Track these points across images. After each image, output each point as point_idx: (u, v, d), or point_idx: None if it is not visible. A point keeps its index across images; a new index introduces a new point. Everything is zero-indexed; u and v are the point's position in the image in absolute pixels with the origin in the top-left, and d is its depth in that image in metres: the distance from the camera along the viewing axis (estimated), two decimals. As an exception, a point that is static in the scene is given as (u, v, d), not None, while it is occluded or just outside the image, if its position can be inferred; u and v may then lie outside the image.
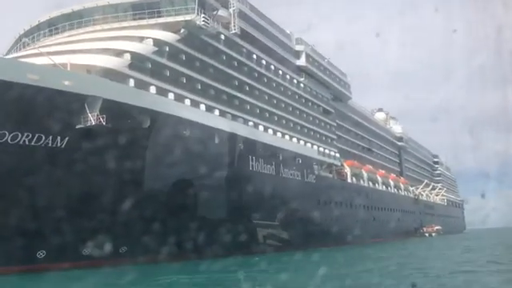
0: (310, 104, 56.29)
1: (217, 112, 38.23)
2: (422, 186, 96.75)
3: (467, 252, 34.71)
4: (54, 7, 38.47)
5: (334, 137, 61.53)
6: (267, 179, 42.06)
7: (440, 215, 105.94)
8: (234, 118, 40.93)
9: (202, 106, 36.64)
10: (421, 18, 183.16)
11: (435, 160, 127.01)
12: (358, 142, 73.32)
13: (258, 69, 46.24)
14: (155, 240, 26.93)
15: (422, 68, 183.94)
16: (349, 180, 62.50)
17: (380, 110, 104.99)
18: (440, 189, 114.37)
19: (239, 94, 41.85)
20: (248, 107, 43.20)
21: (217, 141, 36.55)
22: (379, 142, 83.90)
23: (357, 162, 68.76)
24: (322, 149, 56.31)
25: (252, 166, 40.76)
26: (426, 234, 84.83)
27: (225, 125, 37.82)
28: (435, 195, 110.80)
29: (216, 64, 39.59)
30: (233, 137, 38.47)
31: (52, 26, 37.13)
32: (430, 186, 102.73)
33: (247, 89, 43.59)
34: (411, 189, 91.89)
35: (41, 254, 25.58)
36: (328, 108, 61.38)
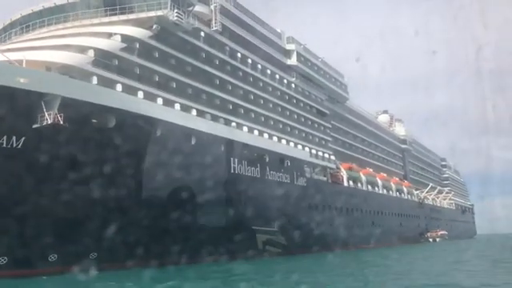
0: (301, 105, 54.41)
1: (194, 112, 36.47)
2: (427, 190, 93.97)
3: (456, 263, 31.94)
4: (28, 5, 37.29)
5: (329, 139, 59.51)
6: (251, 182, 40.27)
7: (447, 220, 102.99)
8: (215, 118, 39.22)
9: (177, 106, 34.92)
10: (401, 41, 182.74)
11: (443, 163, 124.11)
12: (357, 145, 71.17)
13: (243, 67, 44.55)
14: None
15: (404, 90, 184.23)
16: (345, 183, 60.32)
17: (385, 112, 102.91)
18: (447, 193, 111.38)
19: (220, 94, 40.15)
20: (230, 107, 41.45)
21: (193, 142, 34.82)
22: (381, 144, 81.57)
23: (355, 164, 66.61)
24: (314, 151, 54.35)
25: (234, 168, 38.93)
26: (430, 240, 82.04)
27: (203, 125, 36.09)
28: (442, 199, 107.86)
29: (194, 62, 37.97)
30: (212, 138, 36.74)
31: (23, 24, 35.86)
32: (436, 190, 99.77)
33: (230, 88, 41.87)
34: (415, 192, 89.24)
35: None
36: (322, 109, 59.41)
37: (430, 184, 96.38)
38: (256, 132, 44.24)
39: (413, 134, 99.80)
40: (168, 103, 34.39)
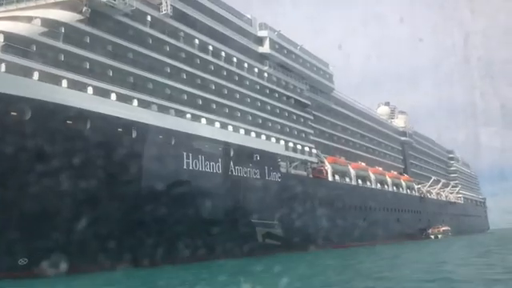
0: (276, 95, 50.80)
1: (135, 102, 33.20)
2: (429, 184, 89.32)
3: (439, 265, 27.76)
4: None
5: (311, 131, 55.77)
6: (210, 178, 36.83)
7: (455, 215, 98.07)
8: (165, 109, 35.89)
9: (113, 96, 31.66)
10: (386, 28, 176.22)
11: (450, 156, 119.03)
12: (347, 138, 67.22)
13: (202, 55, 41.19)
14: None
15: (388, 79, 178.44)
16: (329, 178, 56.50)
17: (387, 103, 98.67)
18: (454, 186, 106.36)
19: (171, 83, 36.82)
20: (185, 97, 38.10)
21: (134, 135, 31.57)
22: (376, 136, 77.45)
23: (344, 158, 62.78)
24: (291, 144, 50.67)
25: (188, 163, 35.51)
26: (432, 236, 77.51)
27: (147, 117, 32.77)
28: (449, 193, 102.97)
29: (138, 48, 34.69)
30: (159, 130, 33.47)
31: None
32: (440, 184, 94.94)
33: (184, 77, 38.53)
34: (416, 187, 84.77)
35: None
36: (302, 100, 55.71)
37: (433, 177, 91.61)
38: (217, 124, 40.75)
39: (413, 125, 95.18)
40: (104, 93, 31.19)
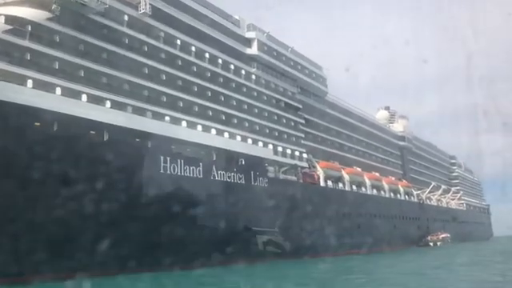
0: (264, 98, 49.41)
1: (108, 104, 31.97)
2: (429, 190, 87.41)
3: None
4: None
5: (301, 135, 54.27)
6: (190, 183, 35.45)
7: (456, 221, 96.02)
8: (142, 111, 34.64)
9: (84, 97, 30.46)
10: (392, 51, 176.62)
11: (452, 161, 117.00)
12: (341, 142, 65.58)
13: (184, 56, 39.94)
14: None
15: (394, 99, 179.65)
16: (321, 183, 54.95)
17: (387, 108, 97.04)
18: (455, 192, 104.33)
19: (149, 84, 35.58)
20: (164, 99, 36.82)
21: (106, 138, 30.33)
22: (374, 141, 75.73)
23: (337, 163, 61.22)
24: (280, 148, 49.25)
25: (165, 167, 34.19)
26: (431, 244, 75.53)
27: (120, 119, 31.50)
28: (450, 199, 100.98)
29: (113, 48, 33.50)
30: (134, 133, 32.25)
31: None
32: (441, 190, 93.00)
33: (164, 78, 37.26)
34: (416, 193, 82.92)
35: None
36: (293, 103, 54.31)
37: (432, 183, 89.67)
38: (199, 127, 39.47)
39: (413, 130, 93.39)
40: (75, 94, 30.01)
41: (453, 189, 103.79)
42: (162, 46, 37.83)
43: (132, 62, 34.77)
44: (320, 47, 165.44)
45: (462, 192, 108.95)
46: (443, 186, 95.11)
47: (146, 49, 36.32)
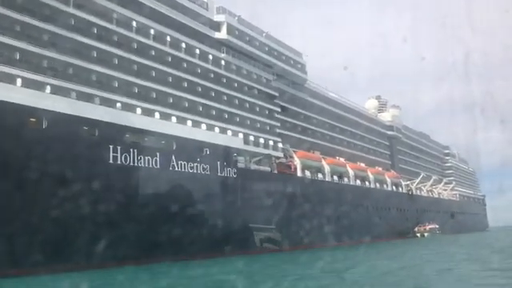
0: (235, 85, 46.95)
1: (48, 89, 29.61)
2: (418, 180, 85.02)
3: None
4: None
5: (277, 124, 51.86)
6: (145, 174, 33.20)
7: (448, 212, 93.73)
8: (89, 97, 32.28)
9: (19, 81, 28.11)
10: (389, 48, 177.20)
11: (446, 152, 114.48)
12: (323, 131, 63.19)
13: (141, 39, 37.50)
14: None
15: (392, 96, 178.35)
16: (298, 174, 52.62)
17: (378, 97, 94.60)
18: (447, 183, 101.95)
19: (98, 68, 33.19)
20: (116, 84, 34.46)
21: (45, 125, 28.02)
22: (358, 130, 73.24)
23: (318, 153, 58.87)
24: (252, 137, 46.89)
25: (115, 158, 31.87)
26: (418, 235, 73.35)
27: (61, 105, 29.15)
28: (442, 190, 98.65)
29: (57, 30, 31.07)
30: (82, 121, 29.98)
31: None
32: (431, 180, 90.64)
33: (116, 62, 34.86)
34: (404, 183, 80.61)
35: None
36: (268, 90, 51.85)
37: (422, 173, 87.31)
38: (157, 115, 37.13)
39: (401, 120, 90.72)
40: (10, 78, 27.68)
41: (444, 179, 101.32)
42: (114, 27, 35.37)
43: (79, 44, 32.34)
44: (318, 44, 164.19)
45: (454, 182, 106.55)
46: (434, 177, 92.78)
47: (96, 31, 33.84)
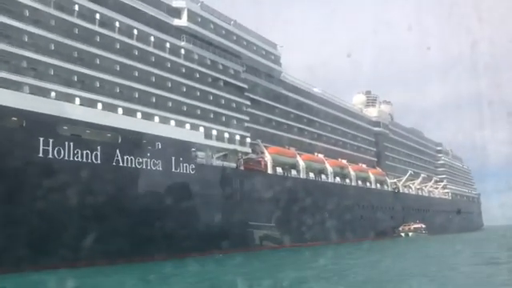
0: (197, 75, 44.12)
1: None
2: (405, 178, 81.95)
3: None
4: None
5: (245, 118, 48.97)
6: (82, 170, 30.40)
7: (439, 211, 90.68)
8: (18, 86, 29.53)
9: None
10: (394, 36, 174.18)
11: (438, 149, 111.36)
12: (301, 126, 60.32)
13: (86, 25, 34.71)
14: None
15: (396, 86, 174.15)
16: (269, 170, 49.78)
17: (368, 92, 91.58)
18: (438, 181, 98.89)
19: (27, 53, 30.42)
20: (51, 72, 31.70)
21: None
22: (341, 126, 70.30)
23: (294, 149, 56.05)
24: (215, 132, 44.07)
25: (45, 151, 29.11)
26: (402, 234, 70.39)
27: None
28: (433, 188, 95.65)
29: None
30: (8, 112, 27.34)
31: None
32: (420, 178, 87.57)
33: (52, 48, 32.08)
34: (390, 181, 77.66)
35: None
36: (236, 82, 48.97)
37: (409, 171, 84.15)
38: (100, 106, 34.28)
39: (388, 116, 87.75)
40: None
41: (435, 177, 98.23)
42: (53, 11, 32.57)
43: (5, 27, 29.54)
44: (320, 34, 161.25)
45: (445, 180, 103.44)
46: (423, 174, 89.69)
47: (28, 13, 31.04)
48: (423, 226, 72.19)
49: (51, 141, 29.54)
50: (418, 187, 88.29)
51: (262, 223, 44.04)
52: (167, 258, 32.61)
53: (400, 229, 71.15)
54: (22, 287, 22.91)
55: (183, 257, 33.57)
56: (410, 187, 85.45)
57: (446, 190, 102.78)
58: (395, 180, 79.96)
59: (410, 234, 69.78)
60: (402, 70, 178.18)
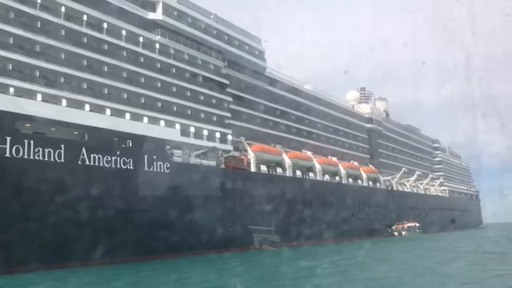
0: (173, 71, 42.59)
1: None
2: (399, 175, 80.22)
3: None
4: None
5: (227, 114, 47.42)
6: (42, 168, 28.94)
7: (436, 209, 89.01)
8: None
9: None
10: (390, 52, 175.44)
11: (435, 145, 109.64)
12: (288, 123, 58.74)
13: (50, 18, 33.18)
14: None
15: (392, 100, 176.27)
16: (252, 168, 48.22)
17: (362, 88, 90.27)
18: (434, 178, 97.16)
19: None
20: (9, 67, 30.27)
21: None
22: (332, 123, 68.68)
23: (279, 146, 54.49)
24: (193, 129, 42.52)
25: (2, 149, 27.63)
26: (395, 233, 68.68)
27: None
28: (430, 185, 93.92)
29: None
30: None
31: None
32: (415, 175, 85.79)
33: (11, 41, 30.59)
34: (384, 179, 75.95)
35: None
36: (217, 78, 47.41)
37: (403, 168, 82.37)
38: (64, 102, 32.78)
39: (383, 113, 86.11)
40: None
41: (431, 174, 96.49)
42: (16, 4, 31.10)
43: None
44: (319, 49, 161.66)
45: (442, 178, 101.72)
46: (418, 171, 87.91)
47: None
48: (417, 224, 70.46)
49: (9, 139, 28.07)
50: (413, 185, 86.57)
51: (251, 224, 42.65)
52: (138, 260, 31.49)
53: (393, 227, 69.40)
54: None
55: (153, 259, 32.34)
56: (405, 185, 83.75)
57: (443, 188, 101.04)
58: (389, 177, 78.26)
59: (404, 232, 68.02)
60: (397, 85, 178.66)
